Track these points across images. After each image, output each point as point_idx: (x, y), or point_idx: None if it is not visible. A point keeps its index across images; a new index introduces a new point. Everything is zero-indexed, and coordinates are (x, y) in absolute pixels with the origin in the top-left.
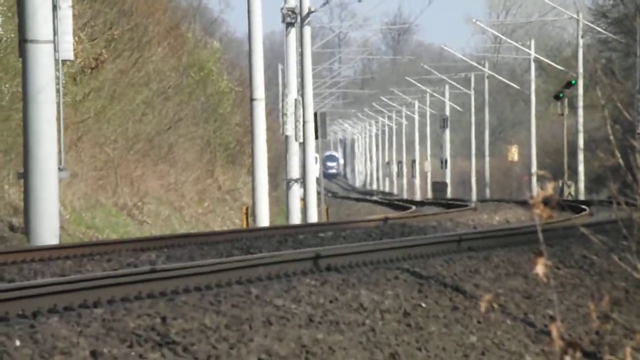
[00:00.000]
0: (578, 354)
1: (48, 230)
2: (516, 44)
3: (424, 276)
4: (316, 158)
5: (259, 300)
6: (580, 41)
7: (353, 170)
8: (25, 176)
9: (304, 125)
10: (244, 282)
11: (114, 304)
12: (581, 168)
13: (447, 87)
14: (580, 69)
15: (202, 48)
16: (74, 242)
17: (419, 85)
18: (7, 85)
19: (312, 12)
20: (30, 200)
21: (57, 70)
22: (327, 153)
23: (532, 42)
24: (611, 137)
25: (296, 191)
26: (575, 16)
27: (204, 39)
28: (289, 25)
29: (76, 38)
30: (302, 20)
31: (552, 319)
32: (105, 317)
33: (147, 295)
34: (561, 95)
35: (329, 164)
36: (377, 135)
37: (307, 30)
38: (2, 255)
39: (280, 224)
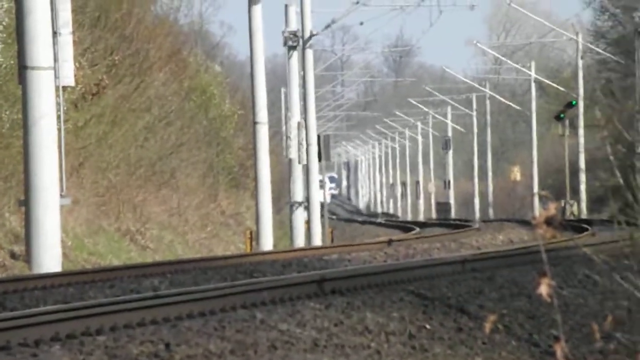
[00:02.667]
0: None
1: (50, 258)
2: (516, 65)
3: (428, 298)
4: (323, 181)
5: (264, 325)
6: (580, 62)
7: (357, 192)
8: (26, 203)
9: (307, 148)
10: (248, 306)
11: (117, 331)
12: (583, 188)
13: (449, 108)
14: (581, 90)
15: (204, 72)
16: (76, 268)
17: (421, 106)
18: (7, 113)
19: (314, 35)
20: (31, 228)
21: (57, 96)
22: (328, 175)
23: (533, 63)
24: (611, 157)
25: (300, 214)
26: (574, 37)
27: (206, 63)
28: (291, 48)
29: (77, 64)
30: (304, 43)
31: (557, 339)
32: (108, 344)
33: (151, 322)
34: (562, 115)
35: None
36: (380, 157)
37: (310, 54)
38: (4, 284)
39: (284, 247)
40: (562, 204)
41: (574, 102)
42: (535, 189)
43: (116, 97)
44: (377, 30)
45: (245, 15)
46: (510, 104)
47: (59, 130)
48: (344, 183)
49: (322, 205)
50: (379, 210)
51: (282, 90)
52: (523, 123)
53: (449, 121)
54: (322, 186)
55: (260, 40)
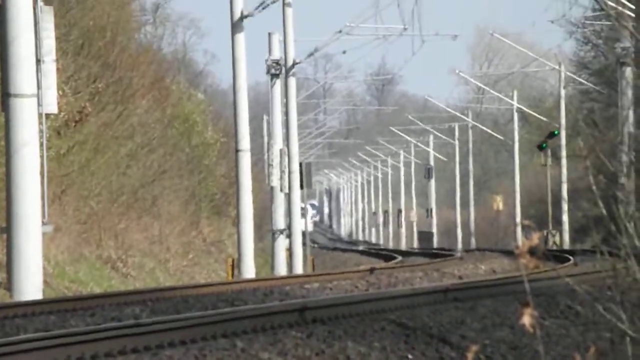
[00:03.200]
0: None
1: (31, 285)
2: (499, 95)
3: (410, 327)
4: (305, 209)
5: (245, 354)
6: (563, 92)
7: (339, 220)
8: (8, 230)
9: (289, 175)
10: (229, 335)
11: (98, 359)
12: (565, 218)
13: (431, 137)
14: (563, 120)
15: (187, 100)
16: (58, 296)
17: (403, 135)
18: None
19: (297, 63)
20: (13, 255)
21: (40, 124)
22: (309, 202)
23: (515, 92)
24: (594, 188)
25: (282, 242)
26: (557, 67)
27: (189, 91)
28: (274, 76)
29: (60, 92)
30: (287, 71)
31: None
32: None
33: (132, 350)
34: (544, 145)
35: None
36: (362, 185)
37: (292, 82)
38: None
39: (266, 275)
40: (545, 234)
41: (556, 132)
42: (518, 218)
43: (99, 124)
44: (360, 58)
45: (229, 43)
46: (493, 133)
47: (42, 157)
48: (326, 211)
49: (304, 233)
50: (360, 238)
51: (265, 117)
52: (505, 152)
53: (431, 150)
54: (304, 214)
55: (243, 69)
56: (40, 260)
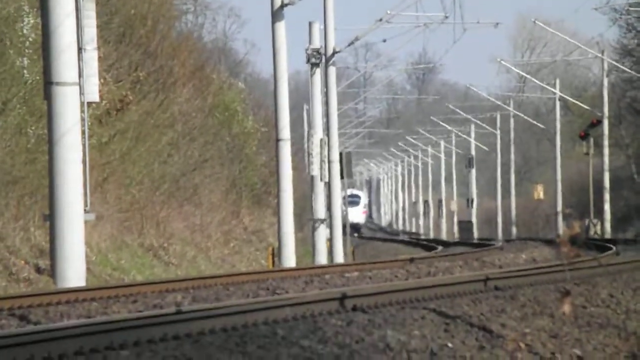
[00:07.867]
0: None
1: (74, 272)
2: (541, 84)
3: (450, 316)
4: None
5: (285, 341)
6: (605, 80)
7: (379, 210)
8: (51, 218)
9: (329, 165)
10: (270, 322)
11: (140, 346)
12: (607, 207)
13: (472, 126)
14: (606, 108)
15: (228, 89)
16: (100, 283)
17: (444, 125)
18: (32, 128)
19: (337, 52)
20: (56, 242)
21: (82, 112)
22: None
23: (557, 81)
24: (636, 177)
25: (322, 231)
26: (600, 55)
27: (229, 80)
28: (314, 65)
29: (102, 80)
30: (327, 60)
31: (580, 358)
32: (131, 359)
33: (173, 337)
34: (587, 134)
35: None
36: (403, 174)
37: (332, 71)
38: (29, 298)
39: (306, 264)
40: (586, 223)
41: (598, 121)
42: (559, 207)
43: (140, 113)
44: (400, 47)
45: (269, 32)
46: (535, 122)
47: (84, 145)
48: (366, 200)
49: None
50: (401, 228)
51: (305, 107)
52: (547, 141)
53: (472, 139)
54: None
55: (283, 57)
56: (83, 247)
